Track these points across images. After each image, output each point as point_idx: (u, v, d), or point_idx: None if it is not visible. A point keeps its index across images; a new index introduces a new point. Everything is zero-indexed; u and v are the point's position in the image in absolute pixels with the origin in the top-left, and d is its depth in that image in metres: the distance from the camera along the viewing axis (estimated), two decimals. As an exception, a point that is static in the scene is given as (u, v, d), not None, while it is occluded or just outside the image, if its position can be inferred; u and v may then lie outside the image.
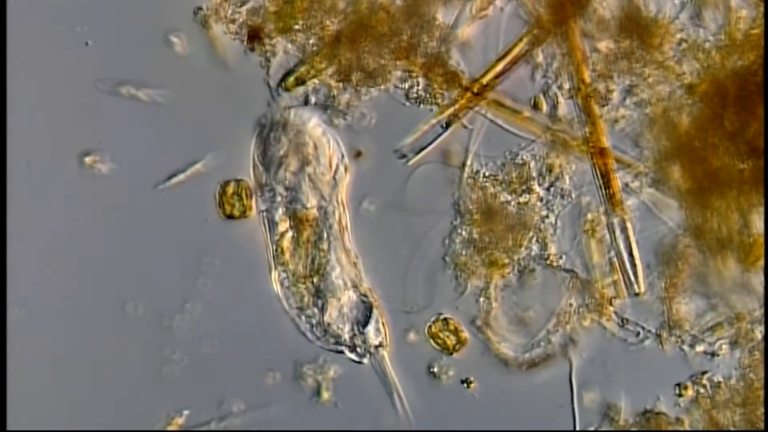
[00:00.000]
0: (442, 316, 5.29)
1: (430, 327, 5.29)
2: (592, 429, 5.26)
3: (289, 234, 5.22)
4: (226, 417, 5.30)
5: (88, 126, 5.34)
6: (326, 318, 5.23)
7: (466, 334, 5.29)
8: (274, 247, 5.23)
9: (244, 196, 5.26)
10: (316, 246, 5.22)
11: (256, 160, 5.23)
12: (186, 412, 5.29)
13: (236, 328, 5.32)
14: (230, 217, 5.27)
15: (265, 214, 5.24)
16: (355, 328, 5.24)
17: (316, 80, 5.28)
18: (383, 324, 5.26)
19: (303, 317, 5.25)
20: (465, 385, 5.30)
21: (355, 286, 5.26)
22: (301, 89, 5.29)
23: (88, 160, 5.31)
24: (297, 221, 5.20)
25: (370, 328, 5.24)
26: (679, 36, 5.20)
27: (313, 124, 5.24)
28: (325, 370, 5.30)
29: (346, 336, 5.25)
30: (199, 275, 5.30)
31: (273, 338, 5.31)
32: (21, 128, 5.31)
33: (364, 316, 5.24)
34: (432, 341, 5.29)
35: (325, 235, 5.22)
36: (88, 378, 5.31)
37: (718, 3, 5.20)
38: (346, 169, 5.25)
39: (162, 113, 5.31)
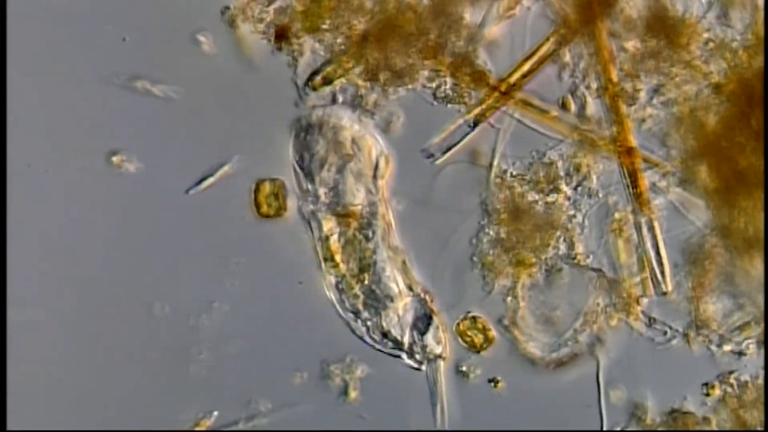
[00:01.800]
0: (470, 315, 5.29)
1: (458, 325, 5.29)
2: (618, 429, 5.26)
3: (336, 234, 5.22)
4: (253, 417, 5.30)
5: (114, 126, 5.34)
6: (383, 322, 5.23)
7: (494, 332, 5.29)
8: (323, 250, 5.22)
9: (279, 195, 5.26)
10: (363, 245, 5.22)
11: (295, 165, 5.22)
12: (215, 414, 5.28)
13: (263, 328, 5.31)
14: (265, 216, 5.27)
15: (309, 216, 5.23)
16: (414, 335, 5.24)
17: (343, 80, 5.27)
18: (443, 331, 5.25)
19: (359, 321, 5.25)
20: (492, 384, 5.30)
21: (409, 288, 5.25)
22: (328, 89, 5.29)
23: (115, 159, 5.30)
24: (343, 220, 5.20)
25: (429, 336, 5.24)
26: (706, 35, 5.20)
27: (348, 122, 5.24)
28: (352, 369, 5.30)
29: (405, 342, 5.24)
30: (226, 275, 5.29)
31: (300, 338, 5.30)
32: (48, 126, 5.30)
33: (423, 322, 5.24)
34: (460, 339, 5.29)
35: (371, 233, 5.22)
36: (114, 378, 5.30)
37: (745, 2, 5.20)
38: (387, 162, 5.25)
39: (188, 112, 5.31)
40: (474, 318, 5.29)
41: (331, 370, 5.30)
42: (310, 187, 5.22)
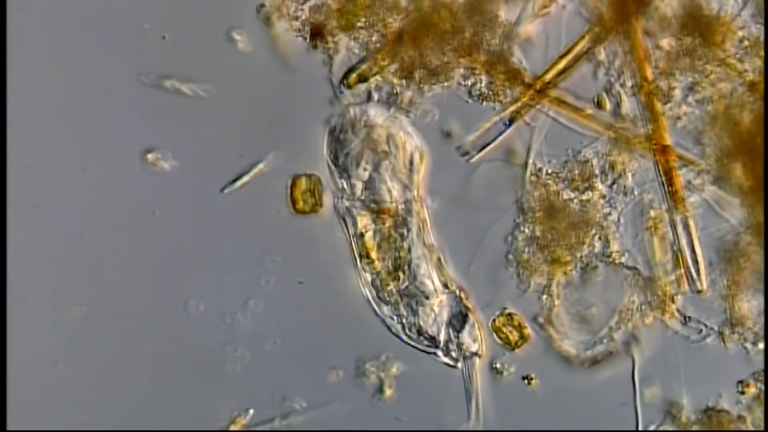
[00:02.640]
0: (506, 311, 5.29)
1: (494, 321, 5.29)
2: (653, 428, 5.26)
3: (371, 231, 5.22)
4: (288, 415, 5.29)
5: (148, 123, 5.34)
6: (419, 320, 5.23)
7: (529, 330, 5.29)
8: (358, 246, 5.22)
9: (316, 191, 5.26)
10: (399, 242, 5.22)
11: (329, 162, 5.22)
12: (251, 411, 5.28)
13: (298, 326, 5.30)
14: (301, 212, 5.27)
15: (344, 213, 5.23)
16: (450, 332, 5.24)
17: (378, 77, 5.27)
18: (479, 329, 5.25)
19: (395, 318, 5.24)
20: (526, 381, 5.30)
21: (445, 286, 5.25)
22: (363, 87, 5.29)
23: (150, 157, 5.30)
24: (378, 217, 5.20)
25: (465, 333, 5.23)
26: (740, 33, 5.20)
27: (383, 119, 5.24)
28: (387, 367, 5.29)
29: (441, 339, 5.24)
30: (262, 272, 5.28)
31: (336, 335, 5.29)
32: (83, 123, 5.31)
33: (458, 320, 5.24)
34: (495, 336, 5.29)
35: (406, 230, 5.22)
36: (150, 376, 5.29)
37: (780, 0, 5.21)
38: (421, 158, 5.25)
39: (223, 110, 5.31)
40: (510, 315, 5.29)
41: (367, 368, 5.29)
42: (345, 184, 5.22)
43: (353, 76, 5.28)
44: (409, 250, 5.23)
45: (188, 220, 5.32)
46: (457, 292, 5.27)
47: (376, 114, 5.24)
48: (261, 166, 5.29)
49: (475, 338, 5.25)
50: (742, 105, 5.20)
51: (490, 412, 5.30)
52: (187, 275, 5.31)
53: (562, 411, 5.30)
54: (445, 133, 5.20)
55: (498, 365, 5.30)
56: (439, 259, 5.27)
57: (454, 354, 5.25)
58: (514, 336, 5.30)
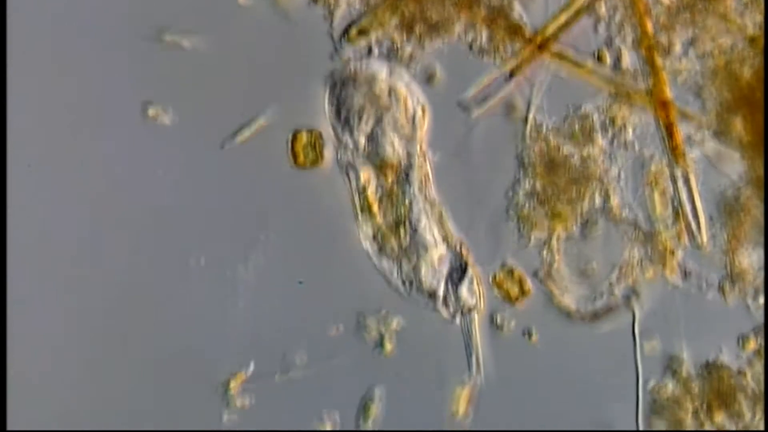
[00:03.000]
0: (507, 266, 5.29)
1: (494, 276, 5.29)
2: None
3: (374, 185, 5.21)
4: (289, 369, 5.29)
5: (148, 78, 5.32)
6: (418, 274, 5.22)
7: (529, 285, 5.29)
8: (360, 200, 5.22)
9: (317, 145, 5.26)
10: (401, 196, 5.21)
11: (332, 119, 5.22)
12: (252, 365, 5.27)
13: (299, 280, 5.30)
14: (302, 166, 5.27)
15: (347, 167, 5.23)
16: (449, 286, 5.23)
17: (379, 32, 5.27)
18: (478, 284, 5.25)
19: (395, 272, 5.24)
20: (527, 336, 5.30)
21: (445, 240, 5.25)
22: (363, 41, 5.28)
23: (151, 111, 5.30)
24: (381, 171, 5.19)
25: (464, 288, 5.23)
26: (741, -12, 5.21)
27: (384, 73, 5.24)
28: (388, 321, 5.29)
29: (440, 293, 5.24)
30: (263, 227, 5.28)
31: (336, 290, 5.29)
32: (82, 79, 5.30)
33: (457, 274, 5.24)
34: (496, 291, 5.29)
35: (408, 184, 5.21)
36: (150, 327, 5.29)
37: (780, -44, 5.21)
38: (423, 113, 5.25)
39: (223, 65, 5.30)
40: (510, 270, 5.29)
41: (367, 323, 5.29)
42: (347, 138, 5.22)
43: (354, 30, 5.28)
44: (411, 205, 5.24)
45: (188, 175, 5.31)
46: (457, 246, 5.27)
47: (378, 69, 5.23)
48: (261, 120, 5.28)
49: (473, 292, 5.25)
50: (742, 60, 5.20)
51: (491, 367, 5.30)
52: (188, 230, 5.29)
53: (562, 365, 5.30)
54: (428, 76, 5.18)
55: (498, 320, 5.30)
56: (440, 214, 5.27)
57: (452, 308, 5.25)
58: (514, 291, 5.30)
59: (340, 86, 5.24)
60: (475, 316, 5.27)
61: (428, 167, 5.26)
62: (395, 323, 5.30)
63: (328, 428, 5.28)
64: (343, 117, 5.22)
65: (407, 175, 5.24)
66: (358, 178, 5.24)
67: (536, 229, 5.29)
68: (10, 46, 5.25)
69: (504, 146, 5.31)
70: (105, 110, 5.32)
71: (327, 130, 5.29)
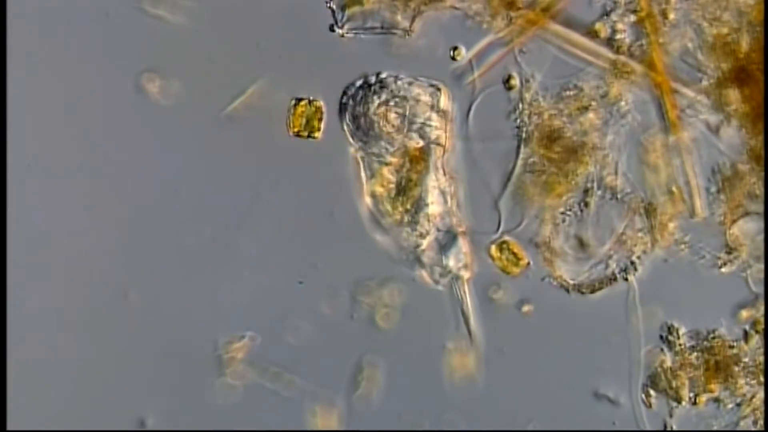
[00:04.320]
0: (502, 238, 5.29)
1: (490, 248, 5.29)
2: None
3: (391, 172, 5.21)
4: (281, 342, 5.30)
5: (141, 49, 5.31)
6: (412, 241, 5.22)
7: (525, 256, 5.29)
8: (366, 171, 5.21)
9: (314, 117, 5.25)
10: (410, 173, 5.21)
11: (352, 138, 5.21)
12: (249, 333, 5.28)
13: (295, 251, 5.30)
14: (297, 135, 5.27)
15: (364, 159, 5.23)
16: (439, 253, 5.23)
17: (374, 2, 5.26)
18: (467, 251, 5.24)
19: (392, 240, 5.24)
20: (523, 307, 5.30)
21: (438, 208, 5.24)
22: (358, 10, 5.27)
23: (146, 84, 5.30)
24: (407, 162, 5.20)
25: (452, 254, 5.24)
26: (738, -41, 5.21)
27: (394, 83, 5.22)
28: (382, 294, 5.29)
29: (431, 260, 5.24)
30: (262, 195, 5.28)
31: (333, 258, 5.29)
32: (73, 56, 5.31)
33: (447, 240, 5.24)
34: (492, 262, 5.30)
35: (425, 165, 5.21)
36: (149, 302, 5.30)
37: (777, -74, 5.20)
38: (441, 93, 5.21)
39: (222, 35, 5.29)
40: (506, 242, 5.29)
41: (365, 292, 5.29)
42: (362, 141, 5.21)
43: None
44: (419, 179, 5.22)
45: (185, 145, 5.31)
46: (448, 214, 5.25)
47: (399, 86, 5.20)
48: (256, 86, 5.27)
49: (462, 259, 5.24)
50: (739, 30, 5.19)
51: (486, 338, 5.30)
52: (186, 199, 5.30)
53: (558, 337, 5.30)
54: (404, 33, 5.17)
55: (494, 292, 5.31)
56: (447, 190, 5.26)
57: (441, 274, 5.24)
58: (510, 262, 5.30)
59: (354, 120, 5.23)
60: (465, 282, 5.25)
61: (447, 140, 5.24)
62: (395, 293, 5.29)
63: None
64: (361, 127, 5.21)
65: (425, 155, 5.22)
66: (374, 173, 5.22)
67: (533, 201, 5.29)
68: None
69: (500, 118, 5.30)
70: (97, 77, 5.30)
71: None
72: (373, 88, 5.21)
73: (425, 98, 5.22)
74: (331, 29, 5.27)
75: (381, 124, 5.19)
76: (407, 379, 5.31)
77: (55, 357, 5.28)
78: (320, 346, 5.31)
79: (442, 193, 5.24)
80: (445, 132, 5.23)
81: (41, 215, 5.29)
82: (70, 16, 5.30)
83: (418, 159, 5.20)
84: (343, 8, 5.27)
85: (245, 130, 5.29)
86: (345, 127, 5.24)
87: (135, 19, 5.29)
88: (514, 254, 5.29)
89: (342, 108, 5.25)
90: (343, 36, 5.24)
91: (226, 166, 5.31)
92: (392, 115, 5.18)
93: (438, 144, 5.21)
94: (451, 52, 5.23)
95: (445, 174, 5.23)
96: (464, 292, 5.25)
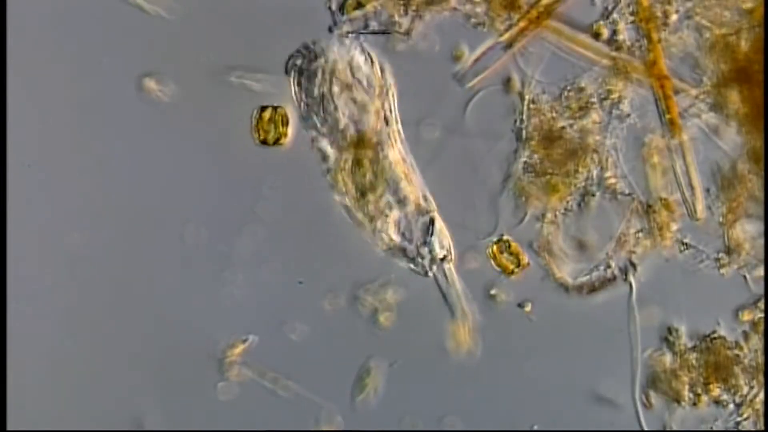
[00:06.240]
0: (503, 239, 5.29)
1: (490, 248, 5.29)
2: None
3: (341, 158, 5.20)
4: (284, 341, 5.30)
5: (140, 51, 5.31)
6: (389, 234, 5.21)
7: (526, 257, 5.29)
8: (332, 173, 5.21)
9: (280, 123, 5.24)
10: (373, 164, 5.20)
11: (300, 102, 5.20)
12: (250, 337, 5.28)
13: (293, 251, 5.30)
14: (264, 143, 5.25)
15: (318, 147, 5.21)
16: (419, 241, 5.22)
17: (375, 3, 5.26)
18: (445, 235, 5.24)
19: (369, 230, 5.23)
20: (522, 308, 5.30)
21: (416, 199, 5.23)
22: (359, 13, 5.27)
23: (147, 83, 5.29)
24: (353, 149, 5.18)
25: (434, 240, 5.23)
26: (738, -41, 5.20)
27: (337, 53, 5.20)
28: (383, 293, 5.29)
29: (412, 248, 5.23)
30: (258, 199, 5.28)
31: (331, 260, 5.29)
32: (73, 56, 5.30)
33: (425, 227, 5.22)
34: (492, 263, 5.29)
35: (381, 153, 5.19)
36: (148, 301, 5.30)
37: (778, -73, 5.20)
38: (382, 71, 5.20)
39: (222, 36, 5.29)
40: (506, 242, 5.29)
41: (362, 294, 5.29)
42: (318, 121, 5.19)
43: (350, 2, 5.27)
44: (383, 168, 5.21)
45: (174, 147, 5.30)
46: (423, 201, 5.23)
47: (329, 49, 5.19)
48: (258, 78, 5.25)
49: (442, 244, 5.23)
50: (739, 31, 5.19)
51: (485, 338, 5.30)
52: (182, 201, 5.30)
53: (558, 338, 5.30)
54: (404, 34, 5.17)
55: (494, 292, 5.30)
56: (405, 174, 5.23)
57: (425, 262, 5.23)
58: (510, 263, 5.30)
59: (301, 76, 5.21)
60: (450, 266, 5.24)
61: (398, 126, 5.22)
62: (390, 294, 5.29)
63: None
64: (310, 102, 5.19)
65: (380, 143, 5.20)
66: (326, 156, 5.22)
67: (533, 202, 5.28)
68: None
69: (500, 119, 5.30)
70: (99, 80, 5.30)
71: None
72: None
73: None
74: (330, 30, 5.27)
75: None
76: (407, 379, 5.31)
77: (54, 357, 5.27)
78: (320, 346, 5.30)
79: (404, 161, 5.22)
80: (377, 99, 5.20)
81: (41, 215, 5.28)
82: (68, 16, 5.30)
83: (364, 144, 5.18)
84: (342, 9, 5.26)
85: (246, 131, 5.29)
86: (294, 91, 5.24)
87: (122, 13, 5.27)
88: (514, 255, 5.29)
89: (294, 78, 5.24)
90: (342, 36, 5.23)
91: (226, 166, 5.30)
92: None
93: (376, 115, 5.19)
94: (452, 53, 5.23)
95: (395, 159, 5.21)
96: (452, 274, 5.24)
